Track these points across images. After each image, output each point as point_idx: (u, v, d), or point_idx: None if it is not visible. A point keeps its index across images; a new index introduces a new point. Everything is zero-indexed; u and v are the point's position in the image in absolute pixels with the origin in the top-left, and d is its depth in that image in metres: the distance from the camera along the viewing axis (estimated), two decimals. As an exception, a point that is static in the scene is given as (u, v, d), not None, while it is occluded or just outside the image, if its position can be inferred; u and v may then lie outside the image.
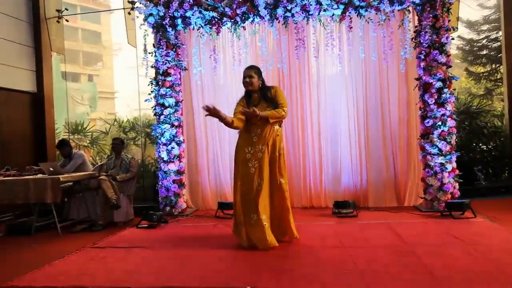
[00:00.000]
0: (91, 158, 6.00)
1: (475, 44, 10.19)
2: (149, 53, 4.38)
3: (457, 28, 4.12)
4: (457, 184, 3.96)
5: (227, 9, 4.13)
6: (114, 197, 3.88)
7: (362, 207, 4.39)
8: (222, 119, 2.56)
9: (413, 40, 4.15)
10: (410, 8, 4.19)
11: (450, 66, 3.93)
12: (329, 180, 4.61)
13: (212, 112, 2.51)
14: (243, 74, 2.84)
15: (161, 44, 4.33)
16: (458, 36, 10.08)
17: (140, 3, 4.23)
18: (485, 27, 10.21)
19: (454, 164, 3.96)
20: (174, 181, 4.37)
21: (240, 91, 4.71)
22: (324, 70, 4.68)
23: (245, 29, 4.53)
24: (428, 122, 3.97)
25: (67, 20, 5.16)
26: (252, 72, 2.79)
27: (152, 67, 4.41)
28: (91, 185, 4.11)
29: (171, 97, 4.39)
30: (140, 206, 4.43)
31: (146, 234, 3.42)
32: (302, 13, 4.16)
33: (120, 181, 4.12)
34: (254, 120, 2.70)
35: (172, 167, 4.35)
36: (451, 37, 3.90)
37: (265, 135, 2.69)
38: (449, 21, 3.89)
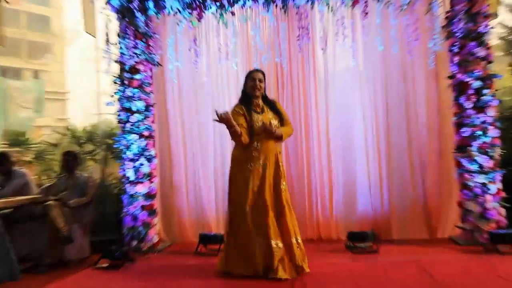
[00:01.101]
0: (35, 177, 5.78)
1: (521, 33, 11.07)
2: (112, 44, 4.42)
3: (498, 14, 4.13)
4: (503, 209, 3.92)
5: (211, -10, 4.41)
6: (66, 228, 3.84)
7: (384, 239, 4.38)
8: (232, 127, 2.78)
9: (444, 28, 4.18)
10: (440, -11, 4.41)
11: (491, 62, 3.96)
12: (341, 205, 4.63)
13: (223, 118, 2.74)
14: (250, 76, 3.06)
15: (128, 33, 4.36)
16: (500, 24, 9.82)
17: (101, -20, 4.43)
18: (533, 12, 10.87)
19: (499, 185, 3.93)
20: (143, 207, 4.37)
21: (228, 92, 4.90)
22: (333, 65, 4.74)
23: (234, 15, 4.56)
24: (465, 131, 3.96)
25: (6, 1, 4.96)
26: (262, 76, 3.07)
27: (116, 61, 4.44)
28: (35, 213, 4.01)
29: (140, 99, 4.42)
30: (99, 240, 4.40)
31: (106, 277, 3.33)
32: (305, -6, 4.42)
33: (74, 207, 4.11)
34: (271, 136, 2.95)
35: (141, 189, 4.37)
36: (490, 26, 3.90)
37: (267, 149, 2.92)
38: (488, 5, 3.91)
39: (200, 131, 4.97)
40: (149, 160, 4.45)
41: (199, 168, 4.88)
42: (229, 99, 4.91)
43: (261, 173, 2.90)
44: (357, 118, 4.71)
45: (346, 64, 4.70)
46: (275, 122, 3.04)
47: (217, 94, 4.94)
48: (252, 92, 3.02)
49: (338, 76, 4.77)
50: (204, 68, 4.92)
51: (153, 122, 4.61)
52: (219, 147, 4.90)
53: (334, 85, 4.77)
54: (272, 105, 3.13)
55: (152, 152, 4.52)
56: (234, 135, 2.85)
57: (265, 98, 3.12)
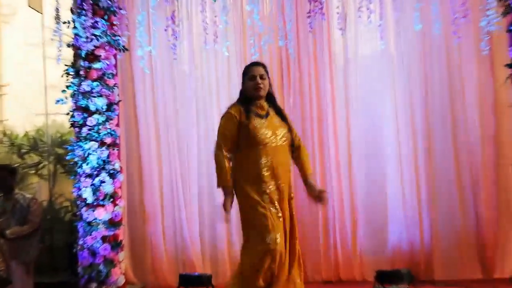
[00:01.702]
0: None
1: None
2: (64, 22, 4.42)
3: None
4: None
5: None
6: (1, 267, 3.81)
7: (424, 280, 4.36)
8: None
9: (501, 2, 4.19)
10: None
11: None
12: (367, 236, 4.64)
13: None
14: (248, 73, 3.11)
15: (85, 8, 4.35)
16: None
17: None
18: None
19: None
20: (104, 239, 4.35)
21: (217, 86, 4.97)
22: (355, 50, 4.80)
23: (224, -17, 4.85)
24: (530, 137, 4.31)
25: None
26: (263, 70, 3.12)
27: (69, 45, 4.46)
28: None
29: (101, 95, 4.44)
30: (46, 283, 4.39)
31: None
32: (318, -44, 4.57)
33: (12, 238, 4.08)
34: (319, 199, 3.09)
35: (102, 214, 4.35)
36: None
37: (281, 166, 2.99)
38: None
39: (180, 139, 4.98)
40: (112, 176, 4.45)
41: (178, 188, 4.86)
42: (218, 95, 4.93)
43: (277, 198, 2.93)
44: (387, 118, 4.75)
45: (372, 48, 4.74)
46: (283, 131, 3.05)
47: (203, 89, 4.95)
48: (254, 93, 3.06)
49: (361, 64, 4.80)
50: (185, 54, 4.91)
51: (117, 125, 4.62)
52: (205, 159, 4.88)
53: (357, 76, 4.79)
54: (278, 108, 3.19)
55: (117, 165, 4.53)
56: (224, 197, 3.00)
57: (270, 98, 3.16)
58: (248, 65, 3.21)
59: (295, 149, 3.11)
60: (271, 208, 2.87)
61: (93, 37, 4.38)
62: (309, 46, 4.88)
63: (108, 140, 4.45)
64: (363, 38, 4.81)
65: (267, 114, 3.04)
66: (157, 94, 5.00)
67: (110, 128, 4.48)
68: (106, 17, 4.46)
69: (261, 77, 3.04)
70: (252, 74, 3.06)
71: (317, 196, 3.05)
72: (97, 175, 4.37)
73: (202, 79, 5.02)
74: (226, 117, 3.04)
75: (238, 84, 4.27)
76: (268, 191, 2.90)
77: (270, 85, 3.13)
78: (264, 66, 3.15)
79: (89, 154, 4.36)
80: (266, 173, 2.90)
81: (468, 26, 4.45)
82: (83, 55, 4.41)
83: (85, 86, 4.39)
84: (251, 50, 4.82)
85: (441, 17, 4.49)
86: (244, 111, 3.01)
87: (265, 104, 3.07)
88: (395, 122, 4.76)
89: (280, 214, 2.89)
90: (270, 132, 2.96)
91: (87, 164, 4.36)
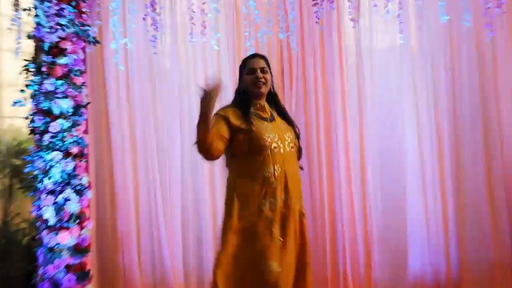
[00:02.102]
0: None
1: None
2: (24, 9, 4.43)
3: None
4: None
5: None
6: None
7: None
8: (207, 116, 2.87)
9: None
10: None
11: None
12: (383, 264, 4.69)
13: (209, 94, 2.85)
14: (247, 66, 3.16)
15: (48, -8, 4.50)
16: None
17: None
18: None
19: None
20: (69, 268, 4.31)
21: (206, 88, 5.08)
22: (369, 44, 4.90)
23: (214, -36, 4.89)
24: None
25: None
26: (264, 63, 3.18)
27: (29, 37, 4.46)
28: None
29: (66, 96, 4.43)
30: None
31: None
32: None
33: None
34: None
35: (66, 238, 4.33)
36: None
37: (291, 176, 3.03)
38: None
39: (161, 148, 5.03)
40: (79, 193, 4.45)
41: (158, 207, 4.91)
42: None
43: (284, 215, 2.97)
44: (407, 125, 4.81)
45: (390, 42, 4.82)
46: (290, 136, 3.12)
47: (188, 89, 4.98)
48: (254, 89, 3.11)
49: (377, 61, 4.88)
50: (167, 48, 4.96)
51: (86, 132, 4.64)
52: (189, 172, 4.95)
53: (371, 75, 4.87)
54: (281, 109, 3.26)
55: (84, 180, 4.54)
56: (202, 133, 2.86)
57: (272, 98, 3.23)
58: (247, 57, 3.27)
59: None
60: (273, 230, 2.91)
61: (58, 26, 4.35)
62: (315, 40, 4.91)
63: (75, 149, 4.45)
64: (379, 31, 4.84)
65: (272, 118, 3.10)
66: (133, 95, 4.99)
67: (77, 136, 4.47)
68: (73, 3, 4.44)
69: (262, 71, 3.10)
70: (251, 67, 3.11)
71: None
72: (61, 192, 4.35)
73: (188, 77, 5.02)
74: (219, 120, 3.00)
75: (230, 83, 4.53)
76: (269, 203, 2.92)
77: (272, 81, 3.19)
78: (265, 59, 3.21)
79: (51, 166, 4.35)
80: (273, 185, 2.94)
81: (502, 18, 4.48)
82: (46, 48, 4.37)
83: (48, 85, 4.36)
84: (246, 44, 4.86)
85: (471, 7, 4.47)
86: (243, 114, 3.03)
87: (266, 105, 3.13)
88: (416, 129, 4.79)
89: (280, 231, 2.93)
90: (276, 136, 3.01)
91: (49, 179, 4.34)
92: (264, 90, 3.11)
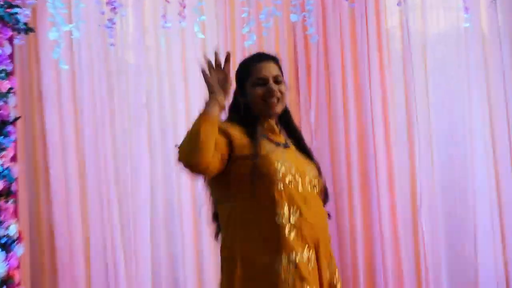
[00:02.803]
0: None
1: None
2: None
3: None
4: None
5: None
6: None
7: None
8: (214, 114, 2.69)
9: None
10: None
11: None
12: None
13: (221, 71, 2.78)
14: (251, 72, 2.92)
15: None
16: None
17: None
18: None
19: None
20: None
21: (186, 89, 5.24)
22: (420, 28, 4.92)
23: None
24: None
25: None
26: (277, 68, 3.00)
27: None
28: None
29: (-15, 108, 4.15)
30: None
31: None
32: None
33: None
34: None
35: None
36: None
37: (316, 221, 2.91)
38: None
39: (122, 178, 4.95)
40: (5, 248, 4.32)
41: (118, 260, 4.81)
42: (187, 102, 4.94)
43: (311, 274, 2.79)
44: (476, 131, 4.85)
45: (450, 24, 4.89)
46: (312, 171, 2.96)
47: (161, 93, 4.92)
48: (267, 108, 2.90)
49: (432, 51, 4.87)
50: (130, 37, 4.91)
51: (14, 160, 4.50)
52: (164, 206, 4.93)
53: (425, 68, 4.86)
54: (297, 134, 3.09)
55: (13, 229, 4.38)
56: (206, 124, 2.62)
57: (282, 116, 3.03)
58: (250, 59, 3.00)
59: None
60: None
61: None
62: (344, 23, 4.85)
63: (-3, 183, 4.12)
64: (435, 8, 4.86)
65: (286, 145, 2.93)
66: (82, 105, 4.83)
67: (1, 165, 4.38)
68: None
69: (276, 80, 2.88)
70: (260, 75, 2.87)
71: None
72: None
73: (160, 77, 4.90)
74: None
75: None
76: (296, 262, 2.77)
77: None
78: (278, 62, 2.96)
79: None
80: (291, 233, 2.76)
81: None
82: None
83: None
84: (243, 30, 4.71)
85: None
86: (247, 133, 2.83)
87: (276, 127, 2.94)
88: (489, 139, 4.83)
89: None
90: (293, 167, 2.81)
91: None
92: (280, 109, 2.90)
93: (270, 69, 2.93)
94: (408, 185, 5.00)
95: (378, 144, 4.91)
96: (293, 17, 4.79)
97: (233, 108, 2.98)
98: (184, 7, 4.74)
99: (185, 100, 5.03)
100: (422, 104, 4.97)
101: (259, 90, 2.89)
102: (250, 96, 2.91)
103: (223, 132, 2.76)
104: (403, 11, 4.90)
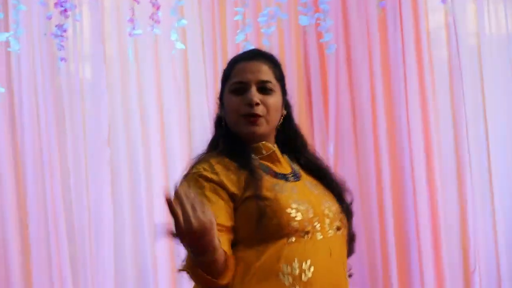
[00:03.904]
0: None
1: None
2: None
3: None
4: None
5: None
6: None
7: None
8: (205, 236, 2.20)
9: None
10: None
11: None
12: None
13: (194, 227, 2.15)
14: (231, 73, 2.63)
15: None
16: None
17: None
18: None
19: None
20: None
21: (166, 114, 4.88)
22: (474, 28, 4.65)
23: None
24: None
25: None
26: (268, 69, 2.62)
27: None
28: None
29: None
30: None
31: None
32: None
33: None
34: None
35: None
36: None
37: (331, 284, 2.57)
38: None
39: (76, 237, 4.69)
40: None
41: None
42: (161, 128, 4.63)
43: None
44: None
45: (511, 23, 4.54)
46: (332, 207, 2.53)
47: (130, 123, 4.60)
48: (241, 128, 2.54)
49: (488, 54, 4.55)
50: (87, 47, 4.64)
51: None
52: (132, 276, 4.70)
53: (481, 79, 4.54)
54: (307, 155, 2.69)
55: None
56: (204, 259, 2.23)
57: (289, 130, 2.67)
58: (235, 57, 2.66)
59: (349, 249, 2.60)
60: None
61: None
62: (371, 28, 4.50)
63: None
64: (492, 6, 4.56)
65: (296, 175, 2.54)
66: (23, 138, 4.61)
67: None
68: None
69: (262, 88, 2.47)
70: (237, 79, 2.50)
71: None
72: None
73: (127, 100, 4.58)
74: (201, 187, 2.44)
75: (206, 106, 4.66)
76: None
77: (289, 107, 2.62)
78: (270, 60, 2.55)
79: None
80: None
81: None
82: None
83: None
84: (237, 38, 4.37)
85: None
86: (240, 167, 2.46)
87: (278, 150, 2.55)
88: None
89: None
90: (310, 208, 2.44)
91: None
92: (261, 130, 2.51)
93: (255, 72, 2.56)
94: (458, 242, 4.64)
95: (419, 186, 4.55)
96: (303, 20, 4.43)
97: (217, 124, 2.69)
98: (158, 8, 4.40)
99: (160, 130, 4.72)
100: (476, 129, 4.60)
101: (235, 100, 2.57)
102: (225, 108, 2.64)
103: (214, 185, 2.46)
104: (449, 8, 4.59)
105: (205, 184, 2.38)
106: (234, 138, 2.56)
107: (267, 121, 2.48)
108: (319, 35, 4.46)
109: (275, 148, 2.54)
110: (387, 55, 4.59)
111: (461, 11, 4.63)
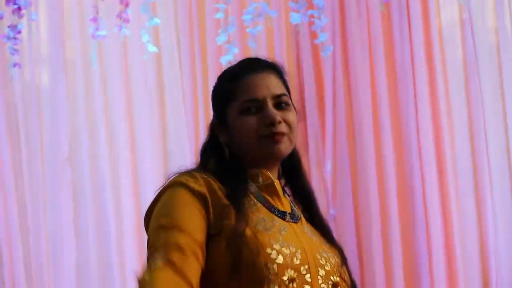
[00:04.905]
0: None
1: None
2: None
3: None
4: None
5: None
6: None
7: None
8: None
9: None
10: None
11: None
12: None
13: None
14: (239, 87, 2.39)
15: None
16: None
17: None
18: None
19: None
20: None
21: (137, 133, 4.76)
22: (493, 23, 4.59)
23: None
24: None
25: None
26: (281, 83, 2.45)
27: None
28: None
29: None
30: None
31: None
32: None
33: None
34: None
35: None
36: None
37: None
38: None
39: (33, 268, 4.50)
40: None
41: None
42: (132, 147, 4.48)
43: None
44: None
45: None
46: (332, 258, 2.26)
47: (95, 138, 4.41)
48: (263, 150, 2.27)
49: (508, 55, 4.37)
50: (43, 52, 4.46)
51: None
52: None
53: (500, 82, 4.39)
54: (306, 194, 2.32)
55: None
56: None
57: (290, 167, 2.39)
58: (234, 70, 2.31)
59: None
60: None
61: None
62: (373, 27, 4.31)
63: None
64: None
65: (295, 216, 2.23)
66: None
67: None
68: None
69: (279, 103, 2.23)
70: (250, 96, 2.19)
71: None
72: None
73: (91, 111, 4.37)
74: (178, 196, 2.13)
75: (183, 119, 4.52)
76: None
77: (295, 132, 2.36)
78: (279, 72, 2.30)
79: None
80: None
81: None
82: None
83: None
84: (218, 39, 4.18)
85: None
86: (227, 190, 2.14)
87: (278, 185, 2.20)
88: None
89: None
90: (300, 254, 2.13)
91: None
92: (287, 151, 2.26)
93: (268, 85, 2.26)
94: (478, 267, 4.32)
95: (431, 212, 4.26)
96: (295, 18, 4.28)
97: (210, 151, 2.31)
98: (127, 5, 4.22)
99: (130, 147, 4.48)
100: (496, 138, 4.34)
101: (251, 121, 2.21)
102: (234, 131, 2.25)
103: (200, 198, 2.13)
104: (464, 2, 4.33)
105: (185, 193, 2.08)
106: (231, 162, 2.23)
107: (290, 140, 2.19)
108: (313, 35, 4.27)
109: (275, 180, 2.19)
110: (393, 58, 4.36)
111: (477, 5, 4.36)
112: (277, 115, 2.07)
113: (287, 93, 2.15)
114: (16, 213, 4.39)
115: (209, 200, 2.04)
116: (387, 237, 4.25)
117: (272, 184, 2.13)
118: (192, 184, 2.04)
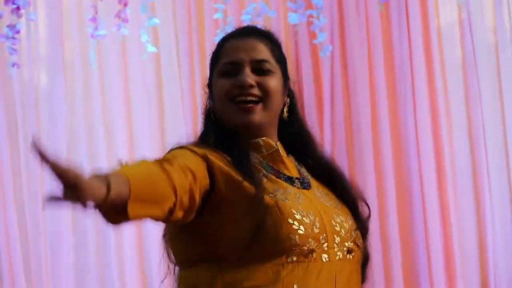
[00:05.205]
0: None
1: None
2: None
3: None
4: None
5: None
6: None
7: None
8: (88, 194, 1.87)
9: None
10: None
11: None
12: None
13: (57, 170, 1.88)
14: (220, 53, 2.43)
15: None
16: None
17: None
18: None
19: None
20: None
21: (135, 132, 4.83)
22: (491, 22, 4.64)
23: None
24: None
25: None
26: (264, 47, 2.43)
27: None
28: None
29: None
30: None
31: None
32: None
33: None
34: None
35: None
36: None
37: None
38: None
39: (32, 270, 4.55)
40: None
41: None
42: (133, 155, 4.50)
43: None
44: None
45: None
46: (347, 223, 2.29)
47: (94, 138, 4.50)
48: (234, 117, 2.26)
49: (508, 53, 4.47)
50: (41, 52, 4.51)
51: None
52: None
53: (499, 81, 4.44)
54: (316, 156, 2.37)
55: None
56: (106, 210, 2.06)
57: (294, 125, 2.36)
58: (223, 37, 2.41)
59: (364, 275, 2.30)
60: None
61: None
62: (372, 26, 4.38)
63: None
64: None
65: (305, 181, 2.21)
66: None
67: None
68: None
69: (258, 68, 2.19)
70: (228, 59, 2.23)
71: None
72: None
73: (90, 111, 4.41)
74: (179, 151, 2.20)
75: (182, 118, 4.58)
76: None
77: (293, 96, 2.31)
78: (268, 37, 2.31)
79: None
80: None
81: None
82: None
83: None
84: (215, 40, 3.98)
85: None
86: (235, 164, 2.13)
87: (282, 149, 2.22)
88: None
89: None
90: (318, 221, 2.15)
91: None
92: (260, 117, 2.22)
93: (248, 50, 2.26)
94: (477, 267, 4.41)
95: (430, 213, 4.33)
96: (294, 18, 4.37)
97: (207, 118, 2.32)
98: (126, 4, 4.27)
99: (129, 146, 4.58)
100: (494, 138, 4.42)
101: (224, 83, 2.26)
102: (215, 96, 2.33)
103: (197, 155, 2.14)
104: (463, 2, 4.40)
105: (187, 152, 2.09)
106: (227, 132, 2.21)
107: (265, 107, 2.15)
108: (311, 35, 4.33)
109: (278, 146, 2.19)
110: (391, 58, 4.41)
111: (476, 4, 4.40)
112: (250, 78, 2.08)
113: (272, 61, 2.14)
114: (14, 213, 4.44)
115: (214, 163, 2.03)
116: (385, 236, 4.30)
117: (277, 151, 2.14)
118: (194, 148, 2.04)
